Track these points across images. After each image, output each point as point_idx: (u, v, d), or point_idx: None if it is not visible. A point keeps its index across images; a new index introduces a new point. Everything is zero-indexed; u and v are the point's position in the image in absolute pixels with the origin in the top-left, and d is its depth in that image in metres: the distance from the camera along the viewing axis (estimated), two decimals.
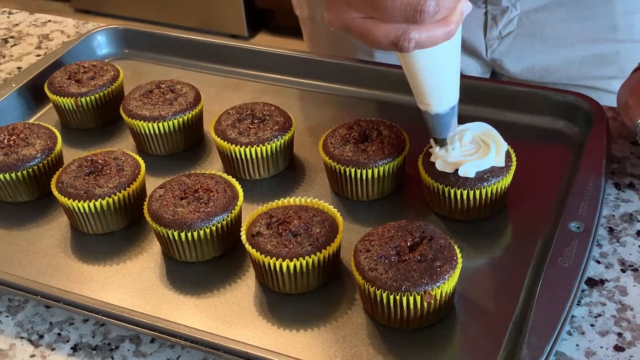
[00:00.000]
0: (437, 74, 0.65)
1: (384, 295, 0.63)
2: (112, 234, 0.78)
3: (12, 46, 1.13)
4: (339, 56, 0.98)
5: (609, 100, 0.88)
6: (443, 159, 0.73)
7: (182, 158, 0.88)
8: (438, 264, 0.64)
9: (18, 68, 1.07)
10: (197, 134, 0.90)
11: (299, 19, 1.11)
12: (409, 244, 0.66)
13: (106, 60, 1.04)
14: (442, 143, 0.72)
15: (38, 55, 1.10)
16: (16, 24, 1.18)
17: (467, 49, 0.99)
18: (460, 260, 0.65)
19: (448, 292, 0.64)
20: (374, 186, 0.78)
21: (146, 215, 0.74)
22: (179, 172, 0.85)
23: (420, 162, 0.77)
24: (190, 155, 0.88)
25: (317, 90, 0.96)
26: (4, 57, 1.10)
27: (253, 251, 0.68)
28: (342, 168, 0.77)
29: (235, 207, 0.73)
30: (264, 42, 2.55)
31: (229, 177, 0.77)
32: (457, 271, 0.64)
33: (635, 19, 0.94)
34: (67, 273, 0.74)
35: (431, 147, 0.76)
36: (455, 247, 0.66)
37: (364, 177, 0.77)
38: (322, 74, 0.97)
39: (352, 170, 0.77)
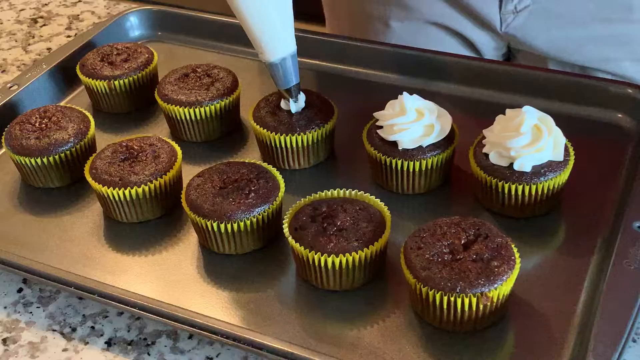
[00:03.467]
0: (262, 21, 0.71)
1: (437, 296, 0.59)
2: (147, 223, 0.75)
3: (41, 26, 1.10)
4: (383, 43, 0.94)
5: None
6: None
7: (218, 145, 0.85)
8: (495, 263, 0.60)
9: (48, 49, 1.04)
10: (234, 121, 0.87)
11: None
12: (463, 241, 0.62)
13: (139, 43, 1.01)
14: (285, 95, 0.76)
15: (68, 37, 1.07)
16: (45, 4, 1.15)
17: (482, 22, 0.96)
18: (518, 261, 0.61)
19: (505, 294, 0.60)
20: (420, 179, 0.74)
21: (184, 204, 0.70)
22: (215, 160, 0.81)
23: (472, 154, 0.73)
24: (227, 143, 0.85)
25: (360, 77, 0.92)
26: (33, 37, 1.07)
27: (296, 245, 0.65)
28: (387, 160, 0.73)
29: (277, 198, 0.70)
30: None
31: (270, 167, 0.74)
32: (516, 272, 0.61)
33: None
34: (101, 263, 0.71)
35: (484, 137, 0.72)
36: (513, 245, 0.63)
37: (411, 170, 0.73)
38: (366, 60, 0.93)
39: (399, 162, 0.73)
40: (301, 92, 0.78)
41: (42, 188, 0.80)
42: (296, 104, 0.78)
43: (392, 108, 0.74)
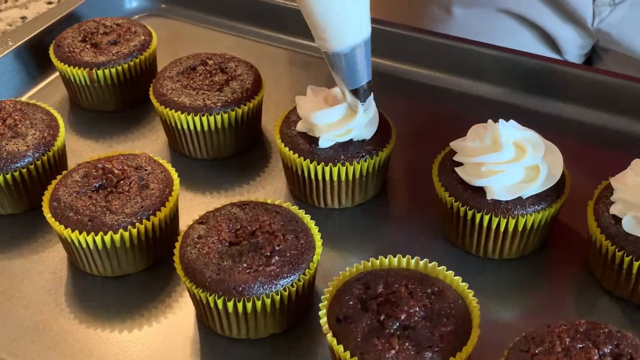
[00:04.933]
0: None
1: None
2: (126, 279, 0.54)
3: None
4: (452, 37, 0.71)
5: None
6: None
7: (230, 166, 0.63)
8: None
9: (22, 18, 0.82)
10: (254, 134, 0.65)
11: None
12: None
13: (135, 18, 0.79)
14: (350, 99, 0.54)
15: (49, 3, 0.85)
16: None
17: (569, 13, 0.76)
18: None
19: None
20: (514, 242, 0.53)
21: (177, 267, 0.49)
22: (225, 187, 0.61)
23: (591, 211, 0.51)
24: (243, 163, 0.64)
25: (420, 79, 0.70)
26: (6, 1, 0.85)
27: (339, 349, 0.44)
28: (469, 212, 0.52)
29: (311, 264, 0.49)
30: None
31: (302, 214, 0.52)
32: None
33: None
34: (57, 337, 0.50)
35: (611, 190, 0.50)
36: None
37: (502, 229, 0.52)
38: (428, 57, 0.71)
39: (486, 217, 0.51)
40: (371, 94, 0.55)
41: None
42: (366, 112, 0.55)
43: (479, 139, 0.52)
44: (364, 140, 0.57)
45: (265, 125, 0.67)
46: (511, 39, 0.75)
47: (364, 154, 0.56)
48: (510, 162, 0.51)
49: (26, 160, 0.57)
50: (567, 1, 0.75)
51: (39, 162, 0.58)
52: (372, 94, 0.55)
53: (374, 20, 0.71)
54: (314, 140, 0.57)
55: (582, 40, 0.79)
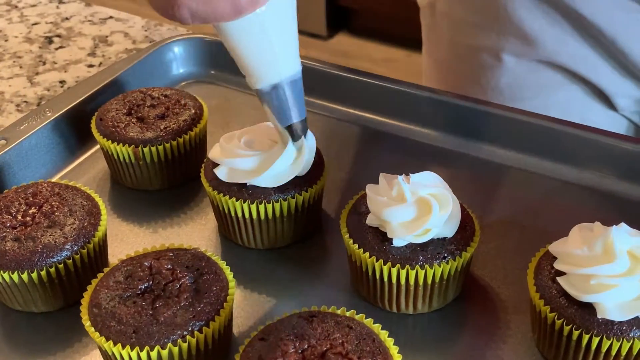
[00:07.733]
0: (249, 43, 0.49)
1: None
2: None
3: (57, 49, 0.83)
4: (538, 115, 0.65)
5: None
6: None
7: (288, 258, 0.56)
8: None
9: (61, 82, 0.77)
10: (314, 221, 0.58)
11: (420, 9, 0.83)
12: None
13: (183, 85, 0.73)
14: (285, 137, 0.53)
15: (90, 66, 0.80)
16: (66, 18, 0.88)
17: (628, 69, 0.70)
18: None
19: None
20: None
21: None
22: (283, 283, 0.55)
23: None
24: (302, 254, 0.57)
25: (502, 160, 0.64)
26: (44, 63, 0.80)
27: None
28: (575, 332, 0.44)
29: None
30: (344, 44, 2.27)
31: (378, 329, 0.45)
32: None
33: None
34: None
35: None
36: None
37: (613, 353, 0.44)
38: (516, 139, 0.64)
39: (595, 339, 0.44)
40: (310, 134, 0.55)
41: (20, 312, 0.53)
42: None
43: (586, 245, 0.45)
44: (445, 238, 0.50)
45: (325, 208, 0.60)
46: (560, 91, 0.73)
47: (445, 255, 0.49)
48: (624, 275, 0.44)
49: (63, 255, 0.51)
50: (629, 58, 0.69)
51: (77, 256, 0.51)
52: (307, 134, 0.54)
53: (453, 95, 0.64)
54: (388, 237, 0.50)
55: (614, 124, 0.73)
